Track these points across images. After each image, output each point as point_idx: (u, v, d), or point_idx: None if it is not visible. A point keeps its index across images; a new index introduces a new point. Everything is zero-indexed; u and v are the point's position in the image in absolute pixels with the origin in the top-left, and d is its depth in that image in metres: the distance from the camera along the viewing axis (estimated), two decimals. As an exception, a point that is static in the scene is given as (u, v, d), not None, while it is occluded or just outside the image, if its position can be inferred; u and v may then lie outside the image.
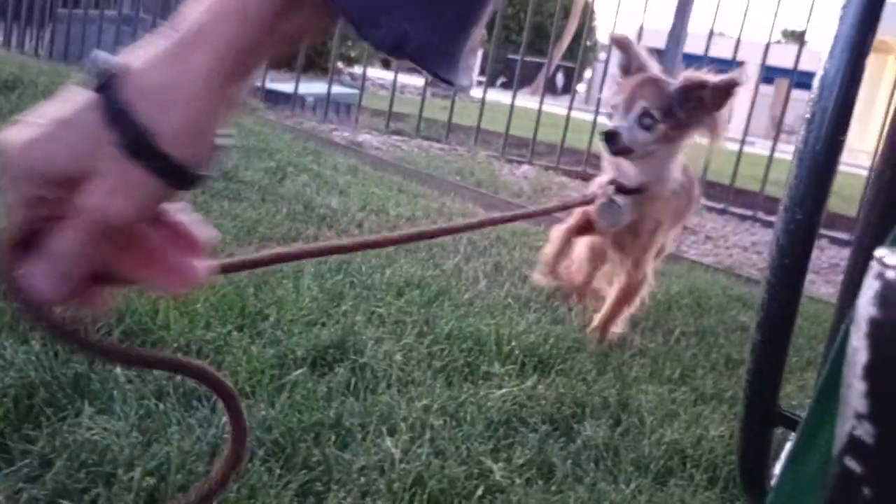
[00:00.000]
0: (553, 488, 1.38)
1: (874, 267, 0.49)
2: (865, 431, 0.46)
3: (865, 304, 0.48)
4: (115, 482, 1.13)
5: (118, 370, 1.41)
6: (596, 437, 1.57)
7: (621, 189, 2.03)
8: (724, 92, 1.92)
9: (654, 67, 2.07)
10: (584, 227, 2.20)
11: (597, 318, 2.18)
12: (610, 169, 2.10)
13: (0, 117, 3.19)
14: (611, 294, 2.19)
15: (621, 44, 2.11)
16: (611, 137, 1.94)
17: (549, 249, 2.22)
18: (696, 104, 1.94)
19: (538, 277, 2.30)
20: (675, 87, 1.95)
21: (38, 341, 1.44)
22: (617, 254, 2.21)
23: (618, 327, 2.18)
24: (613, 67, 2.25)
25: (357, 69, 12.87)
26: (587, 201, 2.09)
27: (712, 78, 1.93)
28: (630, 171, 2.04)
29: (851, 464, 0.47)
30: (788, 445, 0.79)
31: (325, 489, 1.23)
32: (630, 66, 2.07)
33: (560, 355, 1.98)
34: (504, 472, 1.39)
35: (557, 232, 2.22)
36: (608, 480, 1.44)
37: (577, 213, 2.20)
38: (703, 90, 1.92)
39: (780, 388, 1.21)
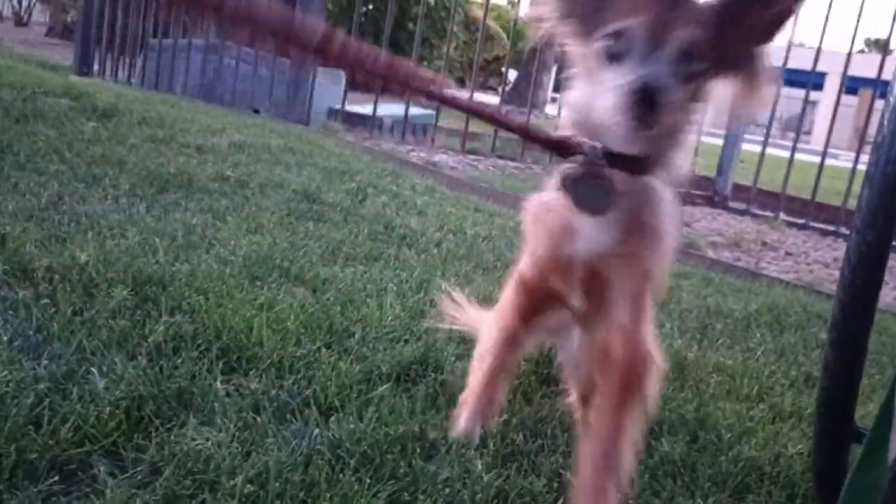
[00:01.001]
0: (631, 502, 1.42)
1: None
2: (916, 441, 0.50)
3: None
4: (218, 489, 1.22)
5: (217, 384, 1.51)
6: (673, 453, 1.59)
7: (612, 160, 1.20)
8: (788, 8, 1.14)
9: None
10: (542, 301, 1.42)
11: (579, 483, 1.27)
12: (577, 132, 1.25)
13: (99, 144, 3.37)
14: (597, 399, 1.31)
15: None
16: (649, 97, 1.05)
17: (478, 377, 1.50)
18: (744, 33, 1.16)
19: (461, 428, 1.50)
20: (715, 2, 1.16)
21: (145, 357, 1.55)
22: (586, 317, 1.37)
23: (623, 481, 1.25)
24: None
25: (432, 89, 13.03)
26: (564, 145, 1.26)
27: None
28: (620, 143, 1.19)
29: (904, 471, 0.51)
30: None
31: (412, 499, 1.30)
32: None
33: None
34: (583, 486, 1.43)
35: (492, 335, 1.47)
36: (685, 495, 1.47)
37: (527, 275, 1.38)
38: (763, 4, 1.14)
39: (856, 405, 1.23)
